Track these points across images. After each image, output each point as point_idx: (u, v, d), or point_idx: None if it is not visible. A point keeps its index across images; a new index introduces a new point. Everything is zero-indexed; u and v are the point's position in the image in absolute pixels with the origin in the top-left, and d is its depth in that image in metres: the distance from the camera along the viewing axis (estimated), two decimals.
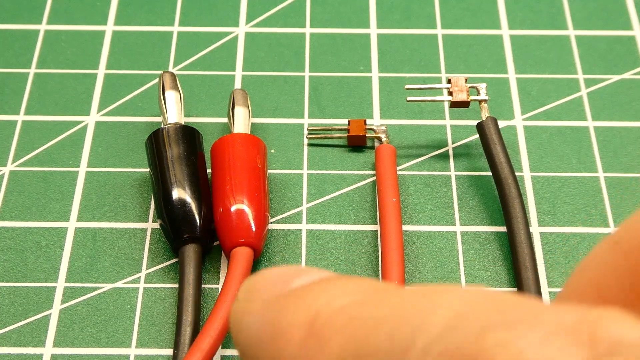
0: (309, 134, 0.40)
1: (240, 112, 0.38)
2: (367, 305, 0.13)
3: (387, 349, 0.12)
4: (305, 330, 0.13)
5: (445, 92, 0.39)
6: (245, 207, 0.35)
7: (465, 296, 0.12)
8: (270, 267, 0.15)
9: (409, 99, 0.39)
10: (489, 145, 0.37)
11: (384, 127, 0.39)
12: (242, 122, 0.38)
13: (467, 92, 0.38)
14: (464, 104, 0.38)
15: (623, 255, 0.13)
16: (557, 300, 0.12)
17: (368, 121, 0.40)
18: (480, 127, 0.37)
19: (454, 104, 0.38)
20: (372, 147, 0.39)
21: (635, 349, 0.11)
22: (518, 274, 0.34)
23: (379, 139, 0.39)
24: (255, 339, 0.14)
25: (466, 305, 0.12)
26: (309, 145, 0.40)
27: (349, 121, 0.39)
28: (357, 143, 0.39)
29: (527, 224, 0.35)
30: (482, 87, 0.39)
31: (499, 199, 0.36)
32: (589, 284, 0.14)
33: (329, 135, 0.39)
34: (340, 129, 0.39)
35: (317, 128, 0.40)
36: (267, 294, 0.14)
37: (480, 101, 0.38)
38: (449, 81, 0.39)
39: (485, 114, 0.38)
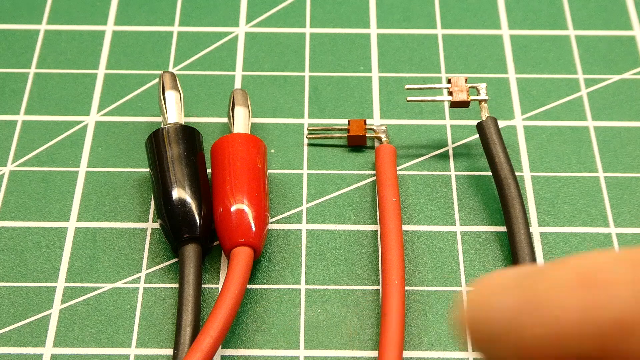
0: (309, 133, 0.40)
1: (240, 112, 0.38)
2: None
3: None
4: (577, 278, 0.13)
5: (445, 92, 0.39)
6: (245, 207, 0.35)
7: None
8: (498, 272, 0.15)
9: (409, 99, 0.39)
10: (489, 145, 0.37)
11: (384, 127, 0.39)
12: (242, 122, 0.38)
13: (467, 92, 0.38)
14: (464, 104, 0.38)
15: None
16: None
17: (368, 121, 0.40)
18: (480, 127, 0.38)
19: (454, 104, 0.38)
20: (372, 147, 0.39)
21: None
22: None
23: (379, 138, 0.39)
24: (511, 311, 0.14)
25: None
26: (309, 145, 0.40)
27: (349, 121, 0.39)
28: (357, 143, 0.39)
29: (527, 223, 0.35)
30: (482, 87, 0.39)
31: (499, 199, 0.36)
32: None
33: (329, 135, 0.39)
34: (340, 129, 0.39)
35: (317, 128, 0.40)
36: (510, 281, 0.14)
37: (480, 101, 0.38)
38: (448, 81, 0.39)
39: (485, 114, 0.38)
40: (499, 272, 0.15)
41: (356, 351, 0.33)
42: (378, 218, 0.36)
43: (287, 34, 0.44)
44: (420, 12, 0.45)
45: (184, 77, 0.42)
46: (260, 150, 0.37)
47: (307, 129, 0.40)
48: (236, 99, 0.39)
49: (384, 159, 0.38)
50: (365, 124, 0.39)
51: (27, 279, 0.35)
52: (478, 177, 0.39)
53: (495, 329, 0.14)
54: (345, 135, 0.39)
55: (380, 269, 0.35)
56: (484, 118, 0.38)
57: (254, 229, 0.34)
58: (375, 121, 0.40)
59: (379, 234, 0.36)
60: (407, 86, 0.39)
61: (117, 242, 0.36)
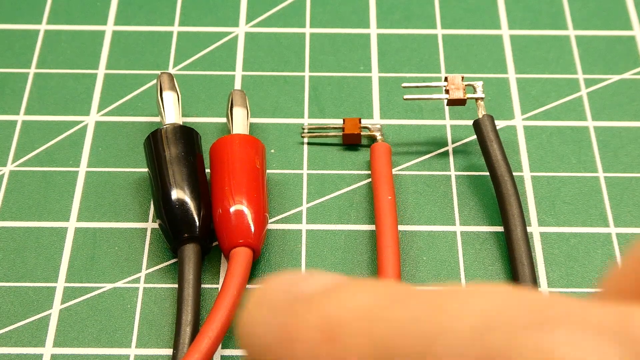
0: (303, 132, 0.40)
1: (239, 113, 0.38)
2: (390, 307, 0.13)
3: (415, 350, 0.12)
4: (321, 333, 0.13)
5: (442, 90, 0.39)
6: (244, 208, 0.35)
7: (493, 296, 0.12)
8: (279, 273, 0.15)
9: (405, 97, 0.39)
10: (486, 142, 0.37)
11: (378, 126, 0.39)
12: (240, 123, 0.38)
13: (464, 90, 0.38)
14: (461, 102, 0.38)
15: None
16: (594, 299, 0.12)
17: (363, 120, 0.40)
18: (476, 125, 0.37)
19: (451, 102, 0.38)
20: (367, 146, 0.39)
21: None
22: (515, 272, 0.34)
23: (374, 137, 0.39)
24: (267, 345, 0.14)
25: (495, 306, 0.11)
26: (303, 143, 0.40)
27: (343, 120, 0.39)
28: (352, 141, 0.39)
29: (524, 221, 0.35)
30: (478, 85, 0.39)
31: (496, 197, 0.36)
32: (629, 282, 0.14)
33: (324, 134, 0.40)
34: (335, 128, 0.39)
35: (312, 127, 0.40)
36: (278, 300, 0.14)
37: (476, 99, 0.38)
38: (445, 79, 0.39)
39: (481, 112, 0.38)
40: (277, 280, 0.15)
41: None
42: (374, 216, 0.36)
43: (287, 34, 0.44)
44: (420, 12, 0.45)
45: (183, 77, 0.42)
46: (258, 150, 0.37)
47: (302, 128, 0.40)
48: (235, 100, 0.39)
49: (379, 157, 0.38)
50: (360, 122, 0.39)
51: (27, 279, 0.35)
52: (478, 177, 0.39)
53: (257, 350, 0.14)
54: (340, 134, 0.39)
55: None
56: (480, 116, 0.38)
57: (253, 230, 0.34)
58: (375, 121, 0.40)
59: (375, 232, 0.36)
60: (404, 84, 0.39)
61: (117, 242, 0.36)
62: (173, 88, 0.38)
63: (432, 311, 0.12)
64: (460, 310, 0.12)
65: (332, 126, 0.40)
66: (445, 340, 0.11)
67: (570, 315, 0.11)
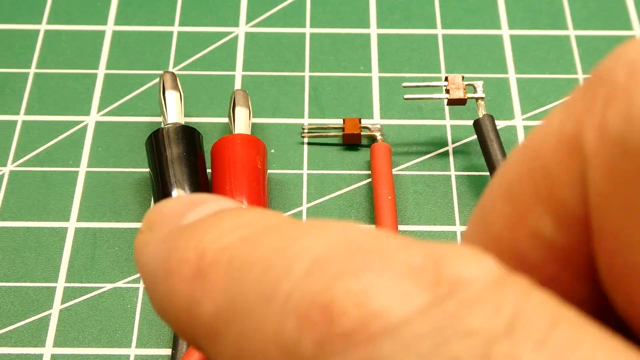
0: (303, 132, 0.40)
1: (241, 113, 0.38)
2: (248, 243, 0.13)
3: (256, 294, 0.12)
4: (194, 269, 0.13)
5: (442, 90, 0.39)
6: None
7: (329, 237, 0.12)
8: (173, 198, 0.15)
9: (406, 96, 0.39)
10: (486, 142, 0.37)
11: (378, 126, 0.39)
12: (242, 123, 0.38)
13: (464, 89, 0.38)
14: (461, 102, 0.38)
15: (537, 162, 0.14)
16: (416, 239, 0.12)
17: (363, 120, 0.40)
18: (477, 125, 0.37)
19: (451, 102, 0.38)
20: (367, 146, 0.39)
21: (476, 286, 0.11)
22: None
23: (374, 137, 0.39)
24: (152, 273, 0.14)
25: (327, 248, 0.12)
26: (303, 143, 0.40)
27: (343, 120, 0.39)
28: (352, 141, 0.39)
29: None
30: (478, 84, 0.39)
31: None
32: (504, 194, 0.14)
33: (324, 134, 0.40)
34: (335, 128, 0.39)
35: (312, 127, 0.40)
36: (164, 228, 0.14)
37: (477, 99, 0.38)
38: (445, 79, 0.39)
39: (482, 112, 0.38)
40: (170, 204, 0.15)
41: None
42: (374, 216, 0.36)
43: (287, 34, 0.44)
44: (420, 12, 0.45)
45: (184, 77, 0.42)
46: (260, 151, 0.37)
47: (302, 128, 0.40)
48: (237, 100, 0.39)
49: (379, 157, 0.38)
50: (360, 122, 0.39)
51: (27, 279, 0.35)
52: (478, 177, 0.39)
53: (145, 283, 0.14)
54: (340, 134, 0.39)
55: None
56: (480, 115, 0.38)
57: None
58: (375, 121, 0.40)
59: None
60: (404, 84, 0.39)
61: (117, 242, 0.36)
62: (176, 87, 0.38)
63: (281, 249, 0.12)
64: (302, 249, 0.12)
65: (332, 126, 0.40)
66: (283, 285, 0.12)
67: (388, 258, 0.11)
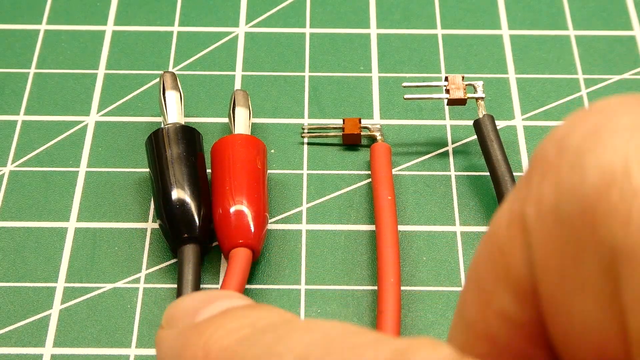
0: (303, 132, 0.40)
1: (241, 113, 0.38)
2: (243, 344, 0.15)
3: None
4: None
5: (442, 90, 0.39)
6: (245, 208, 0.35)
7: (311, 337, 0.14)
8: (190, 294, 0.17)
9: (406, 96, 0.39)
10: (486, 142, 0.37)
11: (378, 126, 0.39)
12: (242, 123, 0.38)
13: (464, 89, 0.38)
14: (461, 102, 0.38)
15: (494, 246, 0.15)
16: (385, 334, 0.15)
17: (363, 120, 0.40)
18: (477, 125, 0.37)
19: (451, 102, 0.38)
20: (367, 146, 0.39)
21: None
22: None
23: (374, 137, 0.39)
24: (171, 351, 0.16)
25: (307, 347, 0.14)
26: (303, 143, 0.40)
27: (343, 120, 0.39)
28: (351, 142, 0.39)
29: None
30: (479, 84, 0.39)
31: (496, 197, 0.36)
32: (473, 282, 0.16)
33: (324, 134, 0.40)
34: (335, 128, 0.40)
35: (312, 127, 0.40)
36: (180, 324, 0.16)
37: (477, 99, 0.38)
38: (445, 79, 0.39)
39: (482, 112, 0.38)
40: (187, 301, 0.17)
41: None
42: (374, 216, 0.36)
43: (287, 34, 0.44)
44: (420, 12, 0.45)
45: (184, 77, 0.42)
46: (260, 151, 0.37)
47: (302, 128, 0.40)
48: (237, 100, 0.39)
49: (379, 157, 0.38)
50: (360, 122, 0.39)
51: (27, 279, 0.35)
52: (478, 177, 0.39)
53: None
54: (340, 134, 0.39)
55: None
56: (480, 116, 0.38)
57: (252, 230, 0.34)
58: (375, 121, 0.40)
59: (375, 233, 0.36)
60: (404, 84, 0.39)
61: (117, 242, 0.36)
62: (176, 87, 0.38)
63: (270, 349, 0.14)
64: (286, 349, 0.14)
65: (332, 126, 0.40)
66: None
67: (358, 355, 0.13)
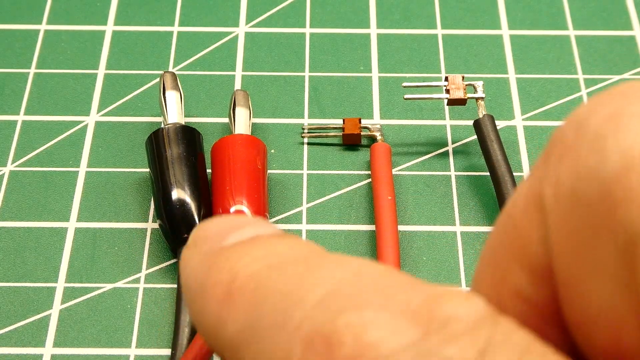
0: (303, 132, 0.40)
1: (241, 113, 0.38)
2: (273, 272, 0.14)
3: (273, 319, 0.13)
4: (224, 290, 0.14)
5: (442, 90, 0.39)
6: (245, 209, 0.35)
7: (343, 272, 0.14)
8: (220, 217, 0.16)
9: (406, 96, 0.39)
10: (486, 142, 0.37)
11: (378, 126, 0.39)
12: (242, 123, 0.38)
13: (464, 89, 0.38)
14: (461, 102, 0.38)
15: (511, 225, 0.15)
16: (417, 280, 0.14)
17: (363, 120, 0.40)
18: (477, 125, 0.37)
19: (451, 102, 0.38)
20: (367, 146, 0.39)
21: (463, 323, 0.12)
22: None
23: (374, 137, 0.39)
24: (191, 288, 0.15)
25: (339, 283, 0.13)
26: (300, 143, 0.40)
27: (343, 120, 0.39)
28: (351, 142, 0.39)
29: None
30: (479, 84, 0.39)
31: (496, 197, 0.36)
32: (488, 259, 0.16)
33: (324, 134, 0.40)
34: (335, 128, 0.40)
35: (312, 127, 0.40)
36: (206, 247, 0.16)
37: (477, 99, 0.38)
38: (446, 79, 0.39)
39: (482, 112, 0.38)
40: (214, 223, 0.16)
41: None
42: (374, 217, 0.36)
43: (287, 34, 0.44)
44: (420, 12, 0.45)
45: (184, 77, 0.42)
46: (260, 151, 0.37)
47: (302, 128, 0.40)
48: (237, 100, 0.39)
49: (379, 157, 0.38)
50: (360, 122, 0.39)
51: (27, 279, 0.35)
52: (478, 177, 0.39)
53: (185, 294, 0.16)
54: (340, 134, 0.39)
55: None
56: (480, 116, 0.38)
57: None
58: (375, 121, 0.40)
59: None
60: (404, 84, 0.39)
61: (117, 242, 0.36)
62: (176, 87, 0.38)
63: (300, 281, 0.14)
64: (316, 282, 0.14)
65: (331, 126, 0.40)
66: (296, 314, 0.13)
67: (389, 297, 0.13)
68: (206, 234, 0.16)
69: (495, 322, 0.12)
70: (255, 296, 0.14)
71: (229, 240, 0.16)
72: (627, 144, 0.13)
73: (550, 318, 0.15)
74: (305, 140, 0.40)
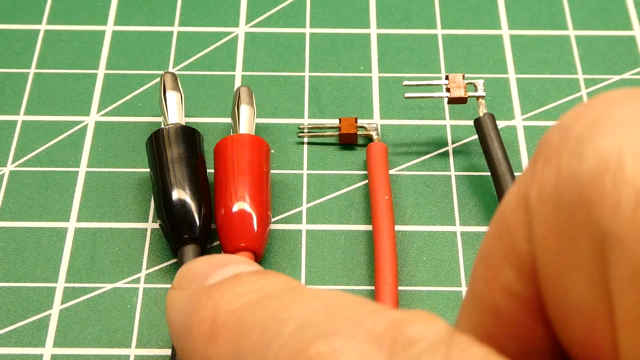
0: (299, 132, 0.40)
1: (246, 111, 0.38)
2: (251, 308, 0.15)
3: (253, 353, 0.14)
4: (208, 329, 0.15)
5: (443, 88, 0.39)
6: (248, 211, 0.35)
7: (315, 304, 0.15)
8: (202, 257, 0.17)
9: (406, 95, 0.39)
10: (487, 141, 0.37)
11: (374, 125, 0.39)
12: (247, 122, 0.38)
13: (465, 88, 0.38)
14: (462, 100, 0.38)
15: (502, 224, 0.16)
16: (380, 305, 0.15)
17: (360, 120, 0.40)
18: (477, 124, 0.37)
19: (452, 101, 0.38)
20: (364, 145, 0.39)
21: (424, 343, 0.13)
22: None
23: (370, 137, 0.39)
24: (177, 327, 0.16)
25: (311, 315, 0.14)
26: (300, 143, 0.40)
27: (339, 119, 0.39)
28: (348, 141, 0.39)
29: None
30: (479, 83, 0.39)
31: (496, 196, 0.36)
32: (482, 258, 0.17)
33: (320, 134, 0.40)
34: (332, 127, 0.40)
35: (309, 127, 0.40)
36: (191, 287, 0.17)
37: (477, 97, 0.38)
38: (446, 78, 0.39)
39: (482, 110, 0.38)
40: (198, 264, 0.17)
41: None
42: (370, 216, 0.36)
43: (287, 34, 0.44)
44: (420, 12, 0.45)
45: (184, 77, 0.42)
46: (264, 151, 0.37)
47: (299, 128, 0.40)
48: (242, 97, 0.38)
49: (375, 157, 0.38)
50: (356, 122, 0.39)
51: (27, 279, 0.35)
52: (478, 177, 0.39)
53: (171, 334, 0.17)
54: (337, 133, 0.39)
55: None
56: (481, 114, 0.38)
57: (255, 233, 0.34)
58: (371, 120, 0.40)
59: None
60: (405, 82, 0.39)
61: (117, 242, 0.36)
62: (176, 88, 0.38)
63: (277, 314, 0.15)
64: (291, 315, 0.15)
65: (328, 126, 0.40)
66: (274, 345, 0.14)
67: (358, 324, 0.14)
68: (190, 274, 0.17)
69: (453, 341, 0.13)
70: (236, 332, 0.15)
71: (212, 280, 0.16)
72: (603, 148, 0.14)
73: (536, 313, 0.15)
74: (305, 140, 0.40)
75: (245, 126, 0.38)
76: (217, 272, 0.17)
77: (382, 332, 0.14)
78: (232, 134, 0.37)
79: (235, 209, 0.35)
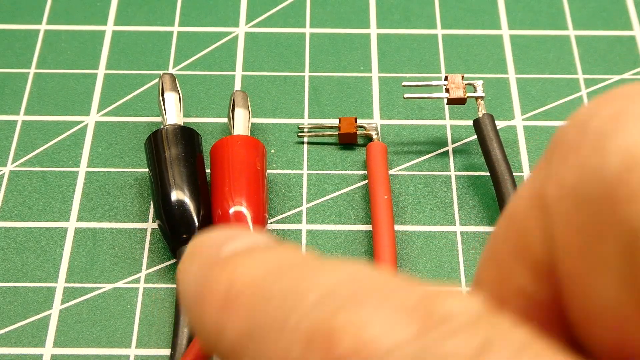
0: (299, 132, 0.40)
1: (240, 114, 0.38)
2: (270, 277, 0.14)
3: (272, 322, 0.14)
4: (222, 297, 0.15)
5: (442, 89, 0.39)
6: (244, 210, 0.35)
7: (338, 275, 0.14)
8: (214, 230, 0.17)
9: (406, 95, 0.39)
10: (486, 141, 0.37)
11: (374, 125, 0.39)
12: (241, 124, 0.38)
13: (464, 89, 0.38)
14: (461, 101, 0.38)
15: (514, 225, 0.15)
16: (413, 280, 0.14)
17: (359, 119, 0.40)
18: (476, 124, 0.37)
19: (451, 101, 0.38)
20: (363, 145, 0.39)
21: (462, 319, 0.12)
22: None
23: (370, 136, 0.39)
24: (189, 299, 0.16)
25: (334, 285, 0.13)
26: (300, 142, 0.40)
27: (339, 119, 0.39)
28: (347, 141, 0.39)
29: None
30: (478, 84, 0.39)
31: (495, 196, 0.36)
32: (490, 259, 0.16)
33: (320, 134, 0.40)
34: (331, 127, 0.40)
35: (308, 126, 0.40)
36: (203, 258, 0.16)
37: (476, 98, 0.38)
38: (445, 78, 0.39)
39: (482, 111, 0.38)
40: (211, 235, 0.17)
41: None
42: (370, 216, 0.36)
43: (287, 34, 0.44)
44: (420, 12, 0.45)
45: (183, 77, 0.42)
46: (259, 152, 0.37)
47: (298, 127, 0.40)
48: (236, 101, 0.39)
49: (375, 156, 0.38)
50: (355, 121, 0.39)
51: (27, 279, 0.35)
52: (478, 177, 0.39)
53: (183, 305, 0.16)
54: (336, 133, 0.39)
55: None
56: (480, 115, 0.38)
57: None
58: (371, 120, 0.40)
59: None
60: (404, 83, 0.39)
61: (117, 242, 0.36)
62: (175, 89, 0.38)
63: (296, 285, 0.14)
64: (313, 285, 0.14)
65: (328, 125, 0.40)
66: (294, 315, 0.13)
67: (387, 296, 0.13)
68: (203, 245, 0.16)
69: (495, 319, 0.12)
70: (253, 301, 0.14)
71: (226, 251, 0.16)
72: (628, 143, 0.13)
73: (552, 316, 0.15)
74: (306, 140, 0.40)
75: (240, 128, 0.38)
76: (232, 243, 0.16)
77: (414, 305, 0.13)
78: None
79: (230, 209, 0.35)
